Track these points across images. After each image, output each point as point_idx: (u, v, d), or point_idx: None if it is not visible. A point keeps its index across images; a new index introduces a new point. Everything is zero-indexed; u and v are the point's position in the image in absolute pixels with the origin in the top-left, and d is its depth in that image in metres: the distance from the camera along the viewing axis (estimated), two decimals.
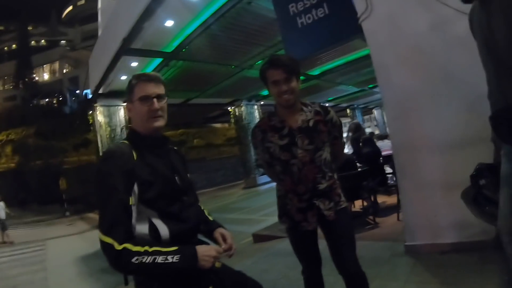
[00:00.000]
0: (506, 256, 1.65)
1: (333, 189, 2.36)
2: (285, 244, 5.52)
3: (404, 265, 3.64)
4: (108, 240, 1.48)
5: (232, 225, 9.00)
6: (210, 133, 33.86)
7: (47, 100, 46.18)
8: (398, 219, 5.41)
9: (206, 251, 1.63)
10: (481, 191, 1.85)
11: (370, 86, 24.38)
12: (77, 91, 44.59)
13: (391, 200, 6.72)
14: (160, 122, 1.82)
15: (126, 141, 1.80)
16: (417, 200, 3.79)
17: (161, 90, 1.85)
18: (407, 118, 3.75)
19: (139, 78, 1.84)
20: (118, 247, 1.46)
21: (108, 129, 15.86)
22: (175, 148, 2.10)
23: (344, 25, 4.43)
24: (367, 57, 14.87)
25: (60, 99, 45.20)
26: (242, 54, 13.79)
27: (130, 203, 1.57)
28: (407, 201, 3.91)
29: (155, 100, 1.79)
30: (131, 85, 1.84)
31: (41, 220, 21.56)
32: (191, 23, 10.98)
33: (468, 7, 1.81)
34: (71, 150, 29.30)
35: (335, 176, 2.43)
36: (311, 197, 2.29)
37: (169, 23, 10.71)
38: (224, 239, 1.89)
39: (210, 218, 2.10)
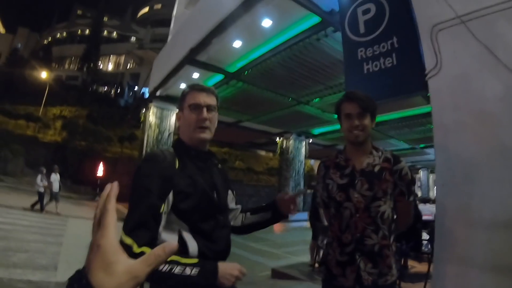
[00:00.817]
0: None
1: (384, 254, 2.11)
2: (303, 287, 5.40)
3: None
4: (128, 240, 1.42)
5: (253, 255, 8.93)
6: (252, 158, 34.02)
7: (105, 88, 48.44)
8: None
9: (228, 268, 1.55)
10: None
11: (422, 145, 23.78)
12: (135, 88, 46.63)
13: (421, 267, 6.39)
14: (206, 134, 1.80)
15: (171, 149, 1.78)
16: (451, 275, 3.51)
17: (212, 101, 1.84)
18: (458, 186, 3.52)
19: (193, 88, 1.86)
20: (136, 249, 1.40)
21: (157, 130, 16.25)
22: (219, 165, 2.03)
23: (409, 79, 4.29)
24: (424, 115, 15.02)
25: (118, 91, 47.27)
26: (301, 89, 13.80)
27: (161, 210, 1.53)
28: (440, 273, 3.63)
29: (204, 109, 1.78)
30: (183, 93, 1.87)
31: (71, 197, 22.07)
32: (258, 47, 11.15)
33: None
34: (116, 141, 30.14)
35: (392, 239, 2.18)
36: (355, 251, 2.11)
37: (237, 43, 10.91)
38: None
39: None
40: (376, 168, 2.18)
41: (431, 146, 23.50)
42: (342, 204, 2.18)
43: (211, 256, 1.64)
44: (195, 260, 1.49)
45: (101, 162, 24.29)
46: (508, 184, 3.23)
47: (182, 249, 1.57)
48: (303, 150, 23.11)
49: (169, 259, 1.40)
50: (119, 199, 0.65)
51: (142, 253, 1.37)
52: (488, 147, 3.38)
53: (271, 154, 33.99)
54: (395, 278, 2.16)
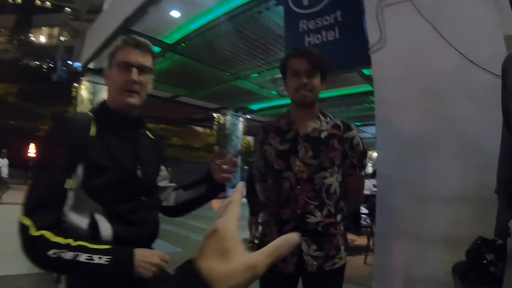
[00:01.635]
0: None
1: (331, 234, 1.86)
2: None
3: None
4: (26, 221, 1.17)
5: (192, 233, 8.75)
6: (190, 135, 33.54)
7: (37, 63, 45.32)
8: (365, 262, 5.21)
9: (147, 256, 1.31)
10: (486, 268, 1.61)
11: (358, 124, 24.51)
12: (69, 62, 43.92)
13: (360, 240, 6.56)
14: (134, 99, 1.49)
15: (90, 113, 1.46)
16: (392, 248, 3.57)
17: (147, 61, 1.53)
18: (401, 162, 3.55)
19: (126, 42, 1.51)
20: (35, 232, 1.15)
21: (90, 106, 15.27)
22: (152, 135, 1.73)
23: (352, 53, 4.23)
24: (362, 94, 15.34)
25: (51, 65, 44.34)
26: (240, 63, 13.51)
27: (66, 186, 1.26)
28: (382, 247, 3.67)
29: (134, 70, 1.46)
30: (115, 47, 1.51)
31: None
32: (197, 19, 10.70)
33: (489, 62, 1.63)
34: (48, 119, 28.43)
35: (339, 217, 1.93)
36: (295, 230, 1.64)
37: (175, 13, 10.43)
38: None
39: None
40: (323, 134, 1.93)
41: (367, 125, 24.41)
42: (281, 174, 1.91)
43: (132, 241, 1.39)
44: (106, 246, 1.25)
45: (32, 143, 22.91)
46: (451, 159, 3.28)
47: (94, 232, 1.32)
48: (240, 126, 22.92)
49: (74, 244, 1.17)
50: None
51: (42, 237, 1.12)
52: (432, 123, 3.41)
53: (209, 131, 33.59)
54: (344, 261, 1.93)
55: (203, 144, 33.68)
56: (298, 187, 1.86)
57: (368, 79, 13.15)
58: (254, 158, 2.18)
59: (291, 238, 0.57)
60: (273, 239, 1.63)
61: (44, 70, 43.34)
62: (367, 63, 3.94)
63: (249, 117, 23.53)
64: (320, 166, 1.87)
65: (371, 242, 5.33)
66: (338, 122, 2.03)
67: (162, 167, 1.79)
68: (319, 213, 1.84)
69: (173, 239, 7.88)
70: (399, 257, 3.53)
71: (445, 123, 3.35)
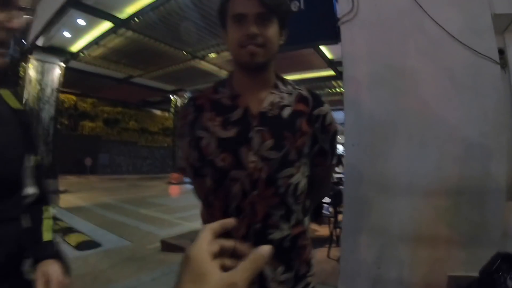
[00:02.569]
0: None
1: (299, 247, 1.34)
2: None
3: None
4: None
5: (142, 223, 8.20)
6: (147, 118, 32.57)
7: None
8: (328, 255, 4.86)
9: None
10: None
11: None
12: (23, 40, 41.26)
13: (323, 231, 6.21)
14: None
15: None
16: (361, 245, 3.23)
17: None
18: (372, 147, 3.16)
19: None
20: None
21: (38, 87, 14.21)
22: (16, 101, 1.20)
23: (319, 26, 3.78)
24: (324, 79, 15.06)
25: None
26: (198, 42, 12.87)
27: None
28: (350, 243, 3.30)
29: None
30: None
31: None
32: None
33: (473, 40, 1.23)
34: None
35: (306, 223, 1.41)
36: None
37: None
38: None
39: (45, 236, 1.26)
40: (286, 112, 1.32)
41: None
42: (227, 174, 1.28)
43: None
44: None
45: None
46: (427, 147, 2.94)
47: None
48: None
49: None
50: None
51: None
52: (406, 106, 3.04)
53: (166, 114, 32.71)
54: (310, 281, 1.39)
55: (160, 128, 32.80)
56: (255, 192, 1.26)
57: (332, 64, 12.91)
58: (181, 147, 1.46)
59: (265, 249, 0.56)
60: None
61: None
62: (336, 37, 3.51)
63: None
64: (285, 159, 1.28)
65: (334, 234, 4.96)
66: (305, 93, 1.41)
67: (31, 157, 1.22)
68: (286, 224, 1.29)
69: (122, 231, 7.37)
70: (369, 255, 3.19)
71: (420, 106, 2.99)
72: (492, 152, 2.78)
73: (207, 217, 1.39)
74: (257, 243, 1.18)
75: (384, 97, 3.14)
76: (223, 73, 16.16)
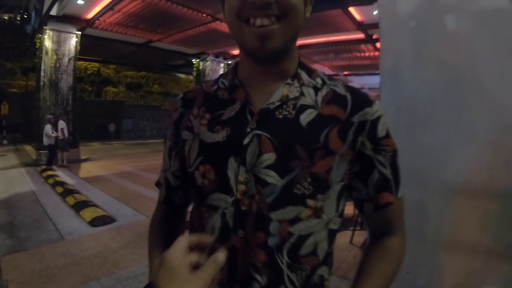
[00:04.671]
0: None
1: None
2: None
3: None
4: None
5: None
6: (171, 82, 32.57)
7: (10, 15, 42.78)
8: (351, 241, 4.37)
9: None
10: None
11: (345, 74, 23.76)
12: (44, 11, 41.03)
13: (347, 208, 5.70)
14: None
15: None
16: None
17: None
18: (407, 135, 2.64)
19: None
20: None
21: (54, 57, 13.95)
22: None
23: None
24: (352, 42, 14.34)
25: (25, 16, 41.73)
26: (217, 3, 12.23)
27: None
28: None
29: None
30: None
31: None
32: None
33: None
34: (20, 73, 26.81)
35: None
36: None
37: None
38: None
39: None
40: (306, 115, 0.83)
41: (355, 74, 23.60)
42: (207, 196, 0.87)
43: None
44: None
45: (4, 100, 21.74)
46: (481, 137, 2.40)
47: None
48: (221, 72, 22.06)
49: None
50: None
51: None
52: (458, 84, 2.47)
53: (190, 77, 32.57)
54: None
55: (184, 91, 32.92)
56: (241, 232, 0.81)
57: (361, 26, 12.20)
58: (163, 156, 1.04)
59: (220, 256, 0.65)
60: None
61: (18, 21, 41.19)
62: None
63: (230, 62, 22.38)
64: (288, 191, 0.79)
65: (357, 214, 4.45)
66: (341, 90, 0.88)
67: None
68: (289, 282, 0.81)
69: (138, 204, 7.26)
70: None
71: (474, 88, 2.41)
72: None
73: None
74: None
75: (429, 73, 2.56)
76: None
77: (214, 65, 21.57)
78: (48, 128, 11.85)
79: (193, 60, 22.30)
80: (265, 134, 0.80)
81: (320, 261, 0.85)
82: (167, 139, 0.99)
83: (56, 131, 11.91)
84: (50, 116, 12.29)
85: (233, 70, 0.94)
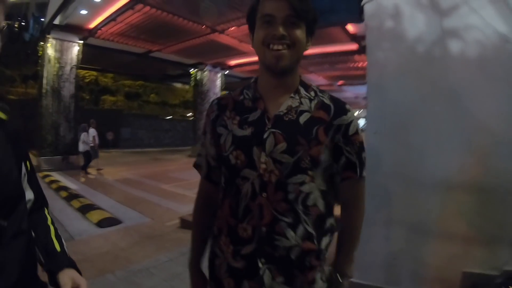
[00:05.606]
0: None
1: (306, 266, 1.29)
2: None
3: None
4: None
5: (163, 199, 8.37)
6: (168, 91, 32.77)
7: (8, 22, 42.76)
8: None
9: None
10: None
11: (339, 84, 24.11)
12: (42, 19, 41.28)
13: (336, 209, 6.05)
14: None
15: None
16: (378, 236, 3.19)
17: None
18: (394, 136, 3.05)
19: None
20: None
21: (57, 65, 14.29)
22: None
23: (342, 3, 3.65)
24: (347, 53, 14.72)
25: (23, 23, 41.86)
26: (217, 15, 12.61)
27: None
28: (366, 232, 3.19)
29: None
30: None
31: None
32: None
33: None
34: (20, 81, 27.02)
35: (324, 244, 1.34)
36: (257, 254, 1.27)
37: None
38: None
39: (57, 246, 1.25)
40: (303, 118, 1.32)
41: (349, 84, 23.96)
42: (238, 171, 1.32)
43: None
44: None
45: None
46: (455, 138, 2.80)
47: None
48: (218, 82, 22.35)
49: None
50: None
51: None
52: (434, 92, 2.89)
53: (187, 87, 32.80)
54: None
55: (181, 101, 32.97)
56: (264, 194, 1.27)
57: (355, 38, 12.60)
58: (201, 143, 1.53)
59: None
60: (226, 263, 1.31)
61: (16, 29, 41.14)
62: (358, 15, 3.38)
63: (228, 72, 22.87)
64: (297, 165, 1.26)
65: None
66: (327, 101, 1.37)
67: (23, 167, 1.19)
68: (293, 234, 1.26)
69: (143, 207, 7.53)
70: (385, 246, 3.19)
71: (447, 96, 2.83)
72: None
73: (216, 220, 1.43)
74: (261, 247, 1.26)
75: (409, 84, 3.00)
76: (243, 47, 15.97)
77: (211, 75, 21.90)
78: (85, 135, 12.53)
79: (190, 70, 22.59)
80: (278, 131, 1.29)
81: (322, 211, 1.31)
82: (207, 133, 1.47)
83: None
84: (85, 125, 12.91)
85: (254, 84, 1.43)
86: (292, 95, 1.36)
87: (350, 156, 1.35)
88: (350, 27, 11.86)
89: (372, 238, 3.17)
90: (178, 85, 33.83)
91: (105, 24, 13.62)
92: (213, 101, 1.50)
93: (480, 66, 2.73)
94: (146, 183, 10.85)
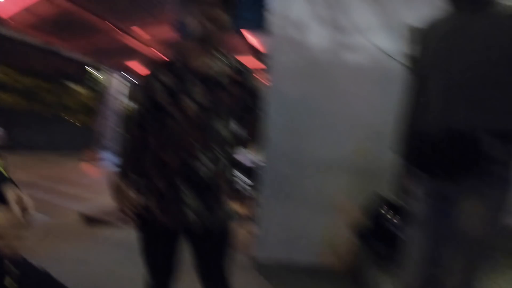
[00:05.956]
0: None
1: (215, 187, 1.72)
2: (123, 235, 4.89)
3: (250, 280, 3.38)
4: None
5: (64, 200, 8.01)
6: (65, 93, 30.99)
7: None
8: (247, 231, 5.00)
9: None
10: (384, 227, 1.70)
11: None
12: None
13: (243, 209, 6.39)
14: None
15: None
16: (278, 214, 3.68)
17: None
18: (290, 129, 3.66)
19: None
20: None
21: None
22: None
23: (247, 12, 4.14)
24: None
25: None
26: (125, 16, 12.50)
27: None
28: (267, 213, 3.76)
29: None
30: None
31: None
32: None
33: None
34: None
35: (228, 171, 1.81)
36: (179, 179, 1.65)
37: None
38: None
39: None
40: (219, 74, 1.74)
41: None
42: (168, 112, 1.68)
43: None
44: None
45: None
46: (333, 128, 3.43)
47: None
48: (118, 83, 21.56)
49: None
50: None
51: None
52: (319, 92, 3.59)
53: (84, 89, 31.38)
54: (228, 218, 1.80)
55: (78, 103, 31.48)
56: (186, 128, 1.66)
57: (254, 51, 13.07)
58: (138, 94, 1.88)
59: None
60: (152, 188, 1.58)
61: None
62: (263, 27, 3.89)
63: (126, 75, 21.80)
64: (212, 109, 1.69)
65: (252, 212, 5.18)
66: (236, 63, 1.82)
67: None
68: (208, 162, 1.67)
69: (42, 207, 7.19)
70: (283, 222, 3.67)
71: (336, 94, 3.59)
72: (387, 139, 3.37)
73: (148, 153, 1.76)
74: (183, 173, 1.63)
75: (305, 85, 3.65)
76: (149, 50, 15.72)
77: (111, 77, 21.15)
78: None
79: (90, 70, 21.70)
80: (200, 83, 1.69)
81: (228, 145, 1.77)
82: (144, 85, 1.83)
83: None
84: None
85: (180, 47, 1.81)
86: (212, 57, 1.78)
87: (249, 102, 1.85)
88: (252, 39, 12.10)
89: (271, 217, 3.69)
90: (74, 86, 32.30)
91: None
92: (152, 61, 2.02)
93: (363, 73, 3.42)
94: (41, 184, 10.37)
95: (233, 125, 1.77)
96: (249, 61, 14.06)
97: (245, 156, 7.23)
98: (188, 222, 1.66)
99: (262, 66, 3.97)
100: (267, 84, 3.76)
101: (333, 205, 3.44)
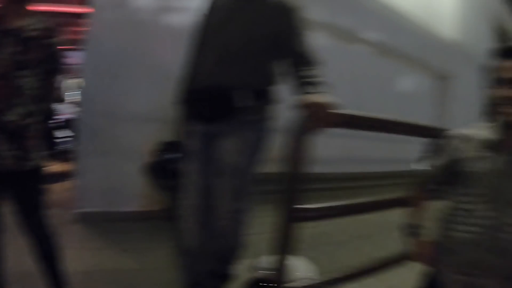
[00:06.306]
0: (175, 224, 2.02)
1: (23, 135, 1.85)
2: None
3: (76, 233, 3.45)
4: None
5: None
6: None
7: None
8: (67, 187, 4.79)
9: None
10: (164, 165, 2.10)
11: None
12: None
13: (61, 167, 6.10)
14: None
15: None
16: (96, 167, 3.76)
17: None
18: (105, 84, 3.76)
19: None
20: None
21: None
22: None
23: None
24: (70, 15, 14.05)
25: None
26: None
27: None
28: (85, 167, 3.79)
29: None
30: None
31: None
32: None
33: None
34: None
35: (37, 119, 1.92)
36: None
37: None
38: None
39: None
40: (28, 33, 1.85)
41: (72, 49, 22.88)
42: None
43: None
44: None
45: None
46: (147, 83, 3.73)
47: None
48: None
49: None
50: None
51: None
52: (136, 50, 3.75)
53: None
54: (37, 163, 1.93)
55: None
56: None
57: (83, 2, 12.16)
58: None
59: None
60: None
61: None
62: None
63: None
64: (20, 64, 1.83)
65: (71, 167, 4.95)
66: (43, 24, 1.93)
67: None
68: (15, 111, 1.82)
69: None
70: (102, 173, 3.78)
71: (147, 54, 3.79)
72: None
73: None
74: None
75: (121, 44, 3.74)
76: None
77: None
78: None
79: None
80: (10, 40, 1.81)
81: (35, 97, 1.89)
82: None
83: None
84: None
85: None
86: (25, 17, 1.89)
87: (52, 64, 1.98)
88: None
89: (90, 169, 3.74)
90: None
91: None
92: None
93: (180, 33, 3.54)
94: None
95: (42, 80, 1.90)
96: (72, 8, 13.21)
97: (63, 110, 7.01)
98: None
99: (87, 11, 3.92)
100: (87, 37, 3.77)
101: (142, 154, 3.63)
